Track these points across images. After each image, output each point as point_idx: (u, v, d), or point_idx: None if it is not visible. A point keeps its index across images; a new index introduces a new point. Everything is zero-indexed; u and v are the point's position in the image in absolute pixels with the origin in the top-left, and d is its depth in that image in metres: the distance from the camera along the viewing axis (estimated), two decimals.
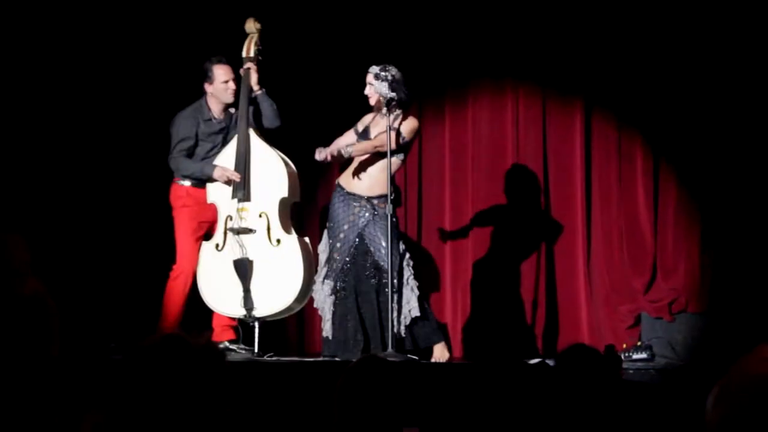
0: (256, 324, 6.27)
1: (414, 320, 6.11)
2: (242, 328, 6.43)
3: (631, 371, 5.98)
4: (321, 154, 6.19)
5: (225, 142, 6.53)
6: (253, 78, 6.48)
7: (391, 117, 6.07)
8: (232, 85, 6.48)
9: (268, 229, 6.29)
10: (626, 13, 7.10)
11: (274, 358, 6.13)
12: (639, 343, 6.67)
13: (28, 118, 7.11)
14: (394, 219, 6.04)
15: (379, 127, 6.21)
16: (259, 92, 6.50)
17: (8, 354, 2.30)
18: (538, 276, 7.23)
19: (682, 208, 7.04)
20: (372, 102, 6.23)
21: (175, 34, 7.28)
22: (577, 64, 7.26)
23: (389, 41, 7.30)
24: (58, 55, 7.18)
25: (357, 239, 6.18)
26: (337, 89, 7.23)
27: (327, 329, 6.19)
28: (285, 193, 6.34)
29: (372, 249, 6.13)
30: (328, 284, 6.18)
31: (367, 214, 6.18)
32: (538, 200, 7.33)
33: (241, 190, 6.31)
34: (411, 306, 6.10)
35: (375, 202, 6.19)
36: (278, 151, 6.47)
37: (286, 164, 6.42)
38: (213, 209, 6.47)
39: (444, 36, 7.44)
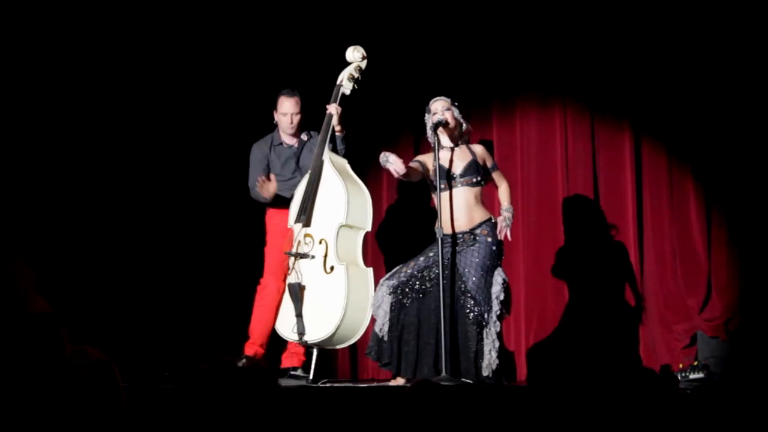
0: (314, 351, 6.27)
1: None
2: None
3: (688, 392, 5.88)
4: (502, 233, 5.98)
5: (298, 167, 6.62)
6: (335, 118, 6.43)
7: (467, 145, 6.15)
8: (289, 119, 6.59)
9: (325, 256, 6.26)
10: (672, 45, 7.14)
11: (327, 385, 6.11)
12: (695, 363, 6.59)
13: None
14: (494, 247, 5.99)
15: (463, 157, 6.08)
16: (339, 134, 6.50)
17: (19, 372, 2.35)
18: (591, 296, 7.17)
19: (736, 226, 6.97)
20: (451, 127, 6.05)
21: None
22: (625, 88, 7.25)
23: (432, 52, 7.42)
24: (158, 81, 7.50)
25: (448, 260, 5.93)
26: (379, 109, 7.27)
27: (383, 329, 6.01)
28: (343, 220, 6.24)
29: (464, 274, 5.94)
30: (388, 284, 6.03)
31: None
32: (588, 218, 7.27)
33: (303, 214, 6.34)
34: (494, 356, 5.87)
35: (477, 231, 6.02)
36: (356, 180, 6.40)
37: (354, 192, 6.33)
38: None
39: (491, 48, 7.49)
